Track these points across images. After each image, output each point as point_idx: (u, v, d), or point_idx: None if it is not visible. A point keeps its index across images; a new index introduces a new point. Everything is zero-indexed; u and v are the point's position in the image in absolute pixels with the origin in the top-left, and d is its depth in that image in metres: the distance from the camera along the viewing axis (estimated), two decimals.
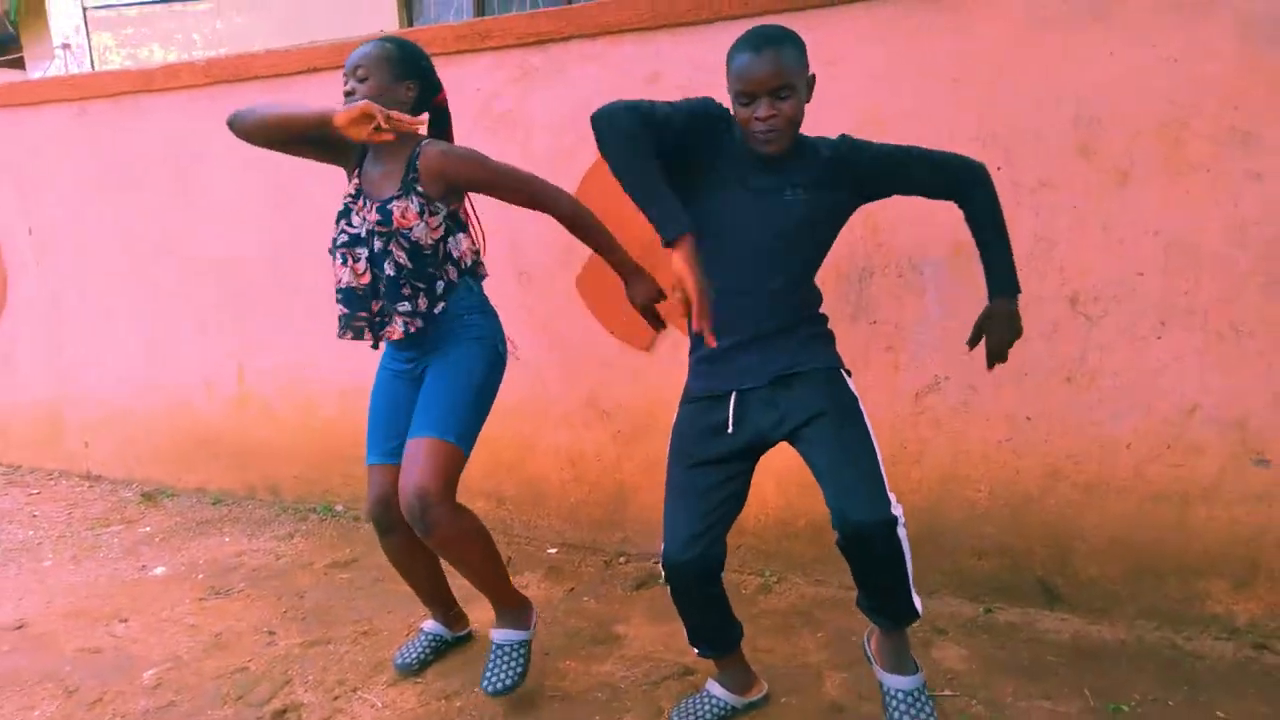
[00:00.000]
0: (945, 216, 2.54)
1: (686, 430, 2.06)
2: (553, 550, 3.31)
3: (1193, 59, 2.26)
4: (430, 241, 2.17)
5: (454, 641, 2.59)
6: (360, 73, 2.14)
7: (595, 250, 2.34)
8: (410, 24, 5.95)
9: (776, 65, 1.81)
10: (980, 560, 2.75)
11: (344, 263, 2.21)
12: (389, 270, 2.16)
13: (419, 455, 2.14)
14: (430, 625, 2.56)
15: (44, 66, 6.92)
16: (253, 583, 3.13)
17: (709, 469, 2.00)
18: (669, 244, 1.77)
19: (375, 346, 2.29)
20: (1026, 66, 2.41)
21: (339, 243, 2.22)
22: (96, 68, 6.41)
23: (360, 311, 2.22)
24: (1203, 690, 2.29)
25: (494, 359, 2.30)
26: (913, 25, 2.49)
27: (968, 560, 2.76)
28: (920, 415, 2.71)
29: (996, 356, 2.06)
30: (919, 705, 2.01)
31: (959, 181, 2.02)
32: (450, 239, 2.22)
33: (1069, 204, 2.43)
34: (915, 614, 1.98)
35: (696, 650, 2.17)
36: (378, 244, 2.15)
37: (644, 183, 1.81)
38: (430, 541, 2.17)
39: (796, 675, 2.43)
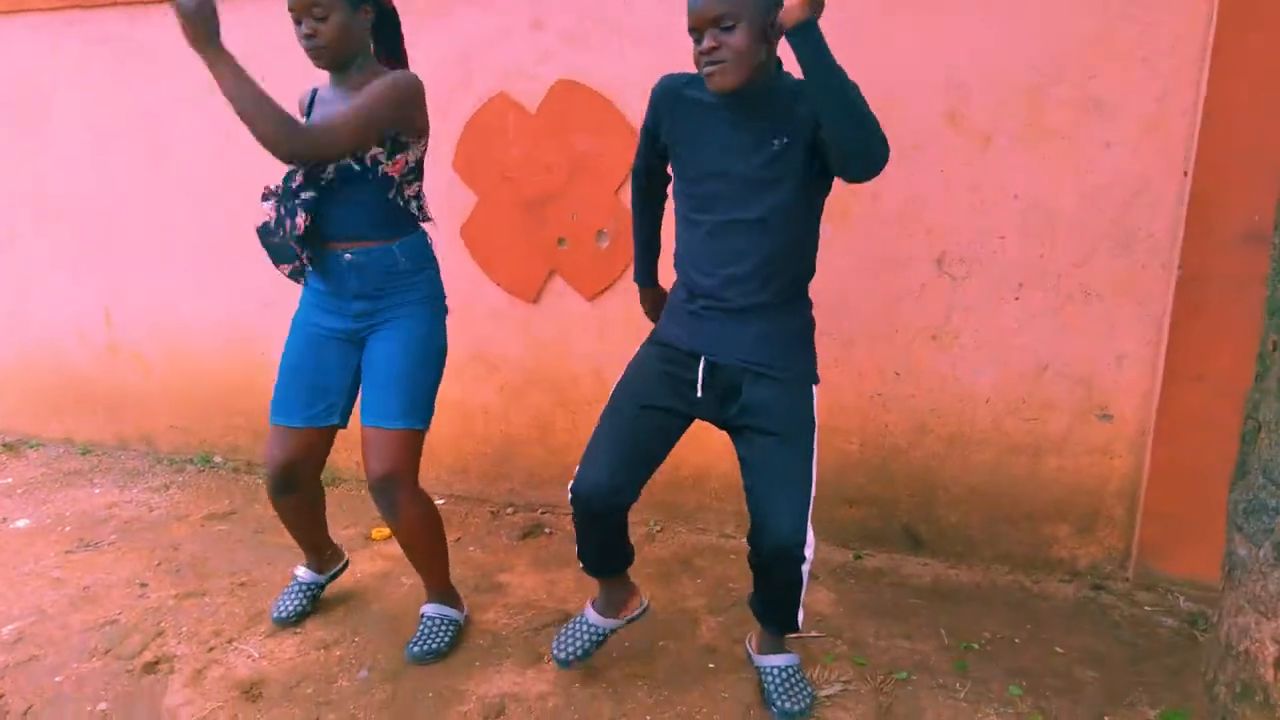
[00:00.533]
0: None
1: (648, 372, 2.04)
2: (441, 501, 3.31)
3: (1054, 30, 2.35)
4: (382, 170, 2.10)
5: (328, 582, 2.59)
6: (318, 11, 1.99)
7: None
8: None
9: None
10: (851, 508, 2.88)
11: (291, 204, 2.09)
12: (341, 192, 2.09)
13: (390, 444, 2.14)
14: (304, 573, 2.54)
15: None
16: (124, 535, 3.05)
17: (656, 414, 2.00)
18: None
19: (327, 286, 2.20)
20: (899, 32, 2.47)
21: (291, 187, 2.10)
22: None
23: (308, 252, 2.15)
24: (1045, 628, 2.47)
25: (441, 320, 2.28)
26: None
27: (840, 509, 2.89)
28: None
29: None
30: (794, 681, 2.11)
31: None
32: (398, 155, 2.12)
33: (938, 167, 2.52)
34: (797, 628, 2.10)
35: (583, 567, 2.21)
36: (327, 170, 2.07)
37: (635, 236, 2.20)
38: (396, 524, 2.22)
39: (675, 621, 2.51)
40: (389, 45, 2.24)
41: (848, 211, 2.62)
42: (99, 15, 3.32)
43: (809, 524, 1.90)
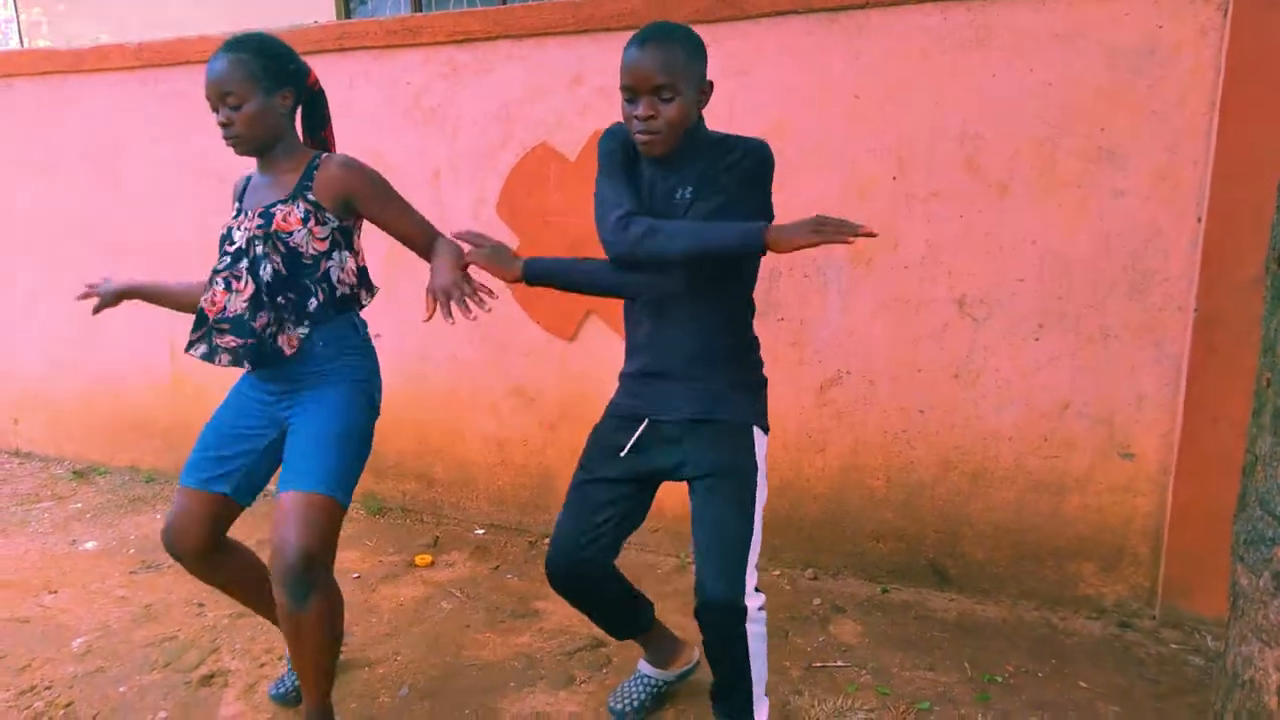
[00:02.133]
0: None
1: (593, 443, 2.05)
2: (480, 531, 3.44)
3: (1066, 84, 2.46)
4: (312, 252, 2.01)
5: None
6: (232, 99, 1.96)
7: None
8: (348, 15, 5.98)
9: (659, 63, 1.72)
10: (878, 543, 2.95)
11: (226, 288, 2.02)
12: (265, 276, 2.00)
13: (301, 512, 1.93)
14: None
15: None
16: None
17: (601, 486, 1.98)
18: (764, 245, 1.71)
19: (256, 367, 2.07)
20: (917, 85, 2.60)
21: (219, 268, 2.04)
22: (24, 44, 6.33)
23: (245, 338, 2.01)
24: (1069, 663, 2.51)
25: (369, 406, 2.13)
26: (813, 43, 2.66)
27: (866, 543, 2.96)
28: (824, 407, 2.90)
29: None
30: None
31: None
32: (334, 255, 2.05)
33: (956, 214, 2.63)
34: (743, 710, 1.90)
35: (611, 635, 2.21)
36: (257, 248, 1.99)
37: (692, 231, 1.76)
38: (304, 608, 1.92)
39: (684, 641, 2.59)
40: (313, 128, 2.20)
41: (871, 257, 2.74)
42: (171, 73, 3.58)
43: (748, 575, 1.79)
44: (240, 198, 2.14)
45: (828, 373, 2.86)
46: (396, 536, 3.38)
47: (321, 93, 2.18)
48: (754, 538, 1.83)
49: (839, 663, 2.51)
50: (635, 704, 2.24)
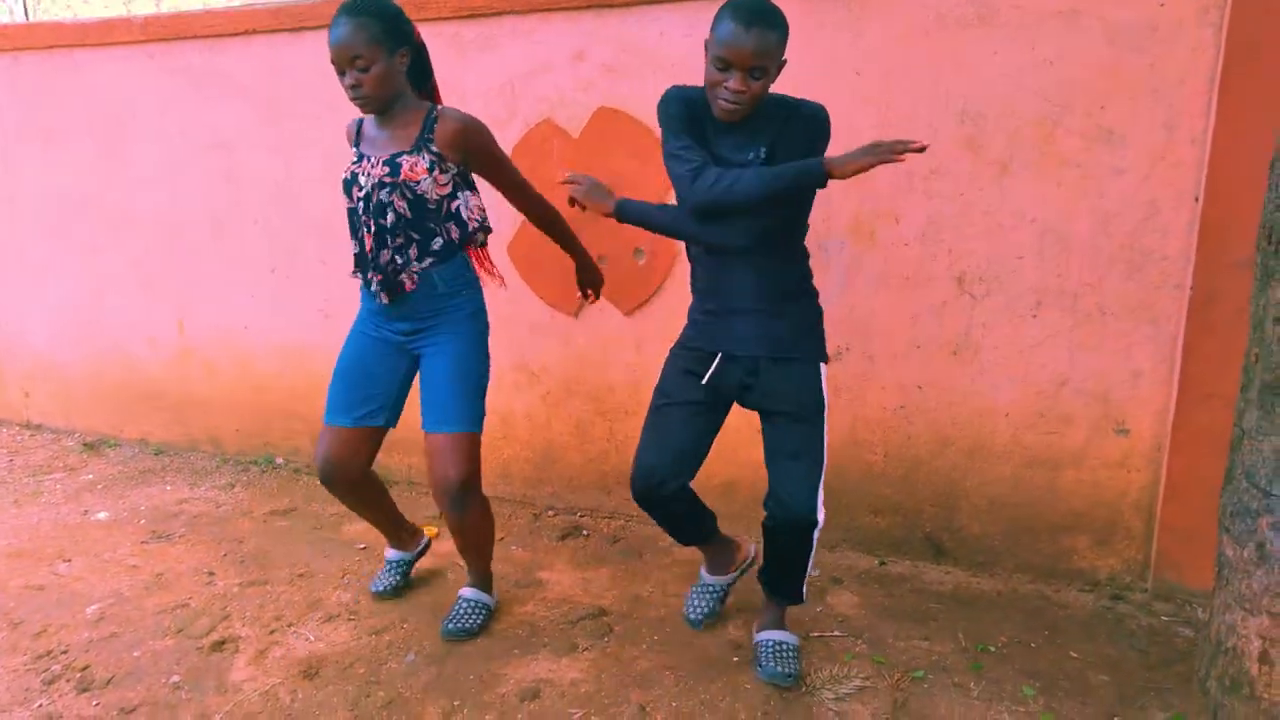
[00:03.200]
0: (847, 200, 2.77)
1: (669, 372, 2.29)
2: None
3: (1066, 62, 2.48)
4: (436, 196, 2.25)
5: (415, 559, 2.84)
6: (361, 62, 2.11)
7: (561, 245, 2.60)
8: None
9: (760, 45, 1.87)
10: (876, 517, 3.00)
11: (365, 227, 2.26)
12: (388, 219, 2.23)
13: (456, 449, 2.32)
14: (392, 554, 2.80)
15: None
16: (193, 528, 3.28)
17: (683, 408, 2.24)
18: (825, 175, 1.92)
19: (388, 304, 2.33)
20: (919, 63, 2.61)
21: (359, 209, 2.26)
22: (30, 17, 6.34)
23: (378, 273, 2.28)
24: (1061, 634, 2.56)
25: (485, 333, 2.45)
26: (815, 21, 2.67)
27: (865, 517, 3.01)
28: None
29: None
30: (787, 651, 2.33)
31: None
32: (459, 195, 2.31)
33: (956, 191, 2.65)
34: (801, 599, 2.36)
35: (677, 541, 2.50)
36: (382, 195, 2.22)
37: (758, 175, 1.96)
38: (462, 521, 2.41)
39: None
40: (420, 80, 2.38)
41: (872, 233, 2.76)
42: (179, 47, 3.60)
43: (820, 495, 2.13)
44: (356, 144, 2.35)
45: (828, 349, 2.88)
46: (403, 509, 3.41)
47: (424, 46, 2.36)
48: (824, 466, 2.17)
49: (836, 632, 2.57)
50: (707, 609, 2.57)
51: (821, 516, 2.15)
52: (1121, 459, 2.69)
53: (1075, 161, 2.52)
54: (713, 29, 1.94)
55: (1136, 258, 2.54)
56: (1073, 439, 2.72)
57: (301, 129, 3.45)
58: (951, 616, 2.65)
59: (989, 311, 2.71)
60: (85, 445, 4.17)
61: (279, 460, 3.89)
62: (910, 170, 2.67)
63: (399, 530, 2.77)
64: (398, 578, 2.78)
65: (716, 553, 2.57)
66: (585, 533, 3.24)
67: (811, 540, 2.19)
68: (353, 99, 2.18)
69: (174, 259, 3.86)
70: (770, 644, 2.34)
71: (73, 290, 4.12)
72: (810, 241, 2.82)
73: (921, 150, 1.80)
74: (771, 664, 2.29)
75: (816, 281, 2.83)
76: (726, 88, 1.92)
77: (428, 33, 3.16)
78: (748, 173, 1.96)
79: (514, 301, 3.28)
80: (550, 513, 3.40)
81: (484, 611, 2.60)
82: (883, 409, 2.90)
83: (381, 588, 2.76)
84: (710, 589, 2.61)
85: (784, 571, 2.30)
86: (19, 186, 4.10)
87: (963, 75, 2.58)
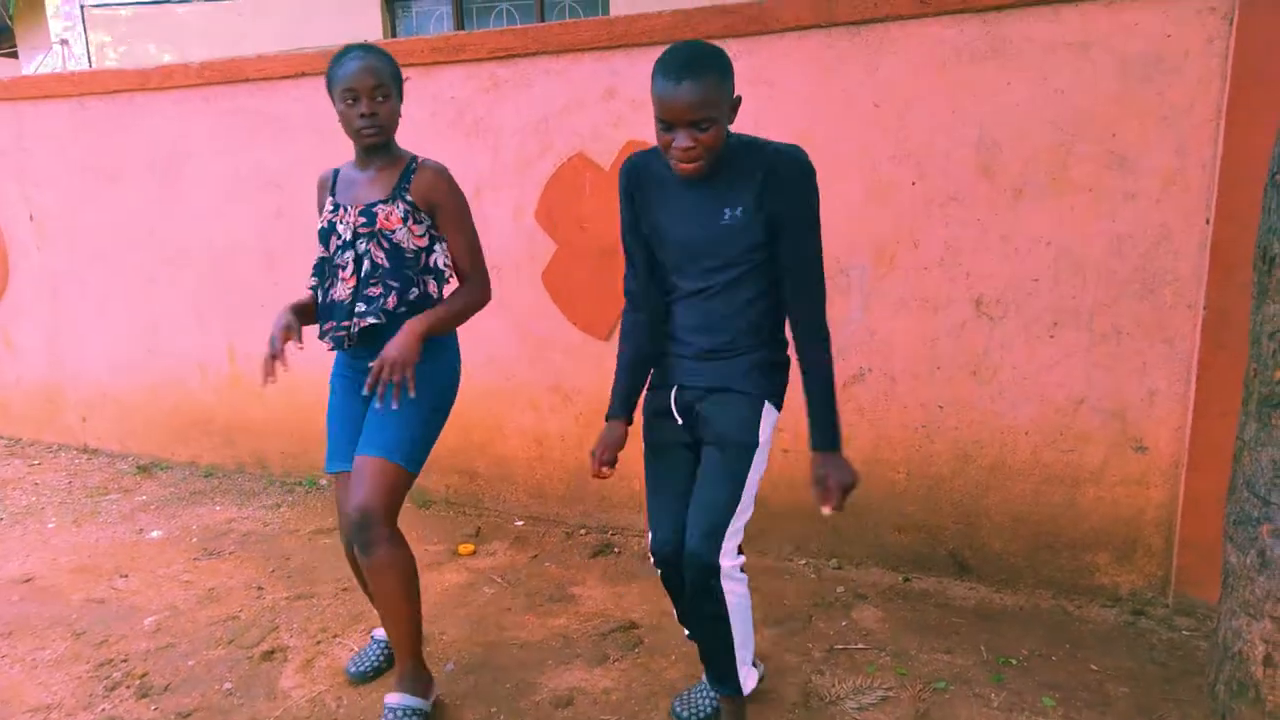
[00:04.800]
0: (868, 226, 2.87)
1: (648, 422, 2.16)
2: (520, 522, 3.61)
3: (1077, 92, 2.57)
4: (412, 247, 2.22)
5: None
6: (381, 92, 2.15)
7: (442, 325, 2.27)
8: (394, 34, 6.22)
9: (697, 96, 1.74)
10: (900, 534, 3.07)
11: (338, 277, 2.24)
12: (364, 268, 2.21)
13: (366, 474, 2.15)
14: (380, 633, 2.59)
15: (38, 59, 7.15)
16: (243, 546, 3.43)
17: (672, 450, 2.11)
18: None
19: (341, 349, 2.30)
20: (935, 94, 2.72)
21: (333, 260, 2.25)
22: (93, 64, 6.66)
23: (344, 320, 2.23)
24: (1081, 648, 2.61)
25: (451, 379, 2.34)
26: (835, 55, 2.80)
27: (889, 534, 3.08)
28: (846, 403, 3.02)
29: (838, 506, 1.99)
30: None
31: (808, 317, 2.00)
32: (437, 248, 2.27)
33: (973, 217, 2.74)
34: (737, 689, 2.06)
35: (687, 633, 2.27)
36: (361, 245, 2.21)
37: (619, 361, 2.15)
38: (368, 561, 2.16)
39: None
40: None
41: (893, 258, 2.86)
42: (233, 90, 3.80)
43: (728, 537, 1.93)
44: (332, 191, 2.33)
45: (850, 370, 2.99)
46: (441, 527, 3.56)
47: None
48: (740, 505, 1.97)
49: (860, 645, 2.64)
50: (701, 714, 2.27)
51: (728, 561, 1.93)
52: (1140, 476, 2.74)
53: (1088, 186, 2.61)
54: (651, 88, 1.81)
55: (1150, 279, 2.61)
56: (1092, 457, 2.78)
57: None
58: (974, 630, 2.71)
59: (1007, 333, 2.79)
60: (139, 468, 4.36)
61: (323, 481, 4.04)
62: (928, 198, 2.77)
63: None
64: (381, 660, 2.53)
65: None
66: (616, 550, 3.34)
67: (718, 590, 1.94)
68: (363, 127, 2.16)
69: (226, 291, 4.05)
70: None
71: (129, 321, 4.33)
72: (831, 266, 2.93)
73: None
74: None
75: (837, 305, 2.95)
76: (676, 148, 1.81)
77: (465, 73, 3.35)
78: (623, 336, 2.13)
79: (548, 326, 3.41)
80: (583, 531, 3.51)
81: None
82: (905, 428, 2.98)
83: (363, 669, 2.51)
84: (712, 695, 2.28)
85: (705, 641, 2.07)
86: (82, 222, 4.33)
87: (978, 105, 2.69)
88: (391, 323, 2.21)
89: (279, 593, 3.03)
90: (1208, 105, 2.47)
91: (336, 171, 2.36)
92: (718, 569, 1.92)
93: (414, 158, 2.28)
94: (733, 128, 1.93)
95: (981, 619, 2.79)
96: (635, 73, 3.08)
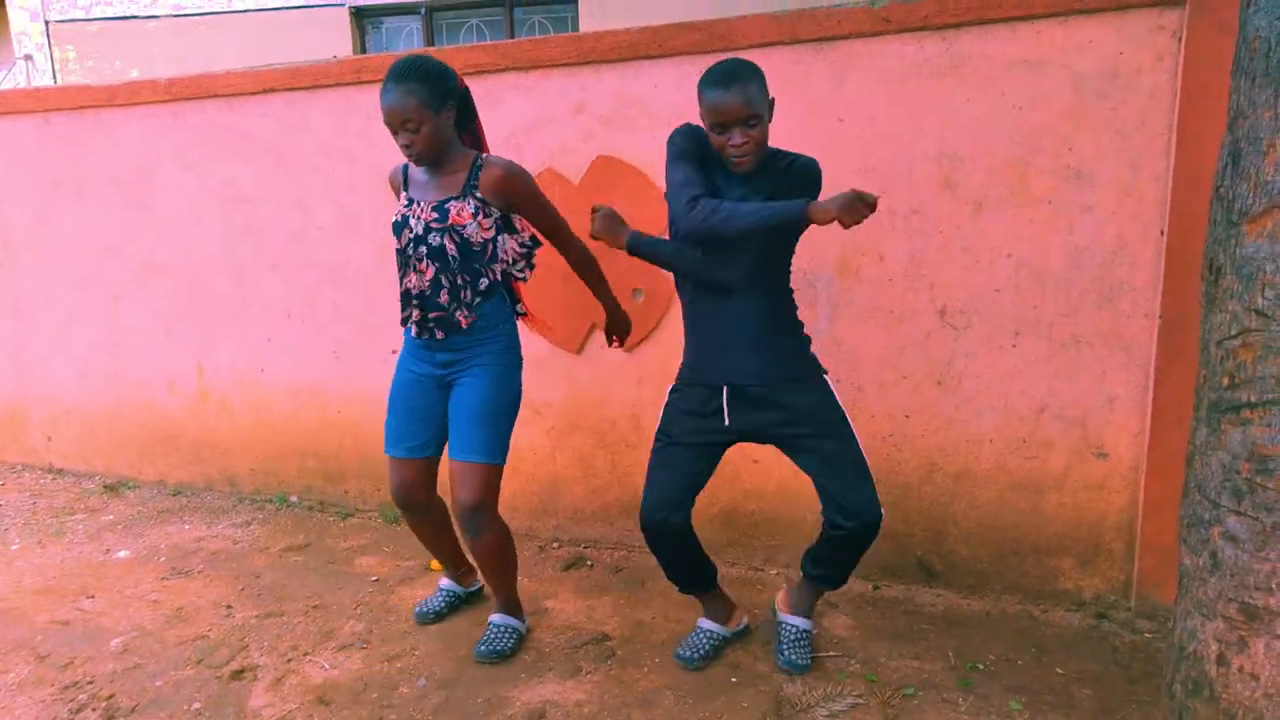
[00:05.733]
0: (834, 238, 2.92)
1: (670, 415, 2.44)
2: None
3: (1034, 107, 2.64)
4: (480, 239, 2.44)
5: (466, 596, 2.99)
6: (411, 125, 2.33)
7: (592, 290, 2.73)
8: (363, 49, 6.22)
9: (745, 98, 2.11)
10: None
11: (412, 268, 2.46)
12: (437, 263, 2.43)
13: (474, 477, 2.49)
14: (446, 582, 2.97)
15: (1, 73, 7.08)
16: (212, 564, 3.40)
17: (683, 449, 2.41)
18: (806, 218, 2.11)
19: (432, 340, 2.54)
20: (897, 110, 2.78)
21: (408, 251, 2.46)
22: (58, 80, 6.60)
23: (432, 312, 2.48)
24: (1047, 652, 2.66)
25: (517, 366, 2.62)
26: (800, 71, 2.85)
27: None
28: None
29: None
30: (804, 639, 2.57)
31: None
32: (500, 238, 2.49)
33: (936, 229, 2.80)
34: (845, 582, 2.58)
35: (678, 587, 2.62)
36: (434, 239, 2.41)
37: (748, 209, 2.14)
38: (476, 545, 2.57)
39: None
40: (466, 125, 2.58)
41: (858, 270, 2.91)
42: (201, 106, 3.79)
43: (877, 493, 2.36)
44: (406, 187, 2.55)
45: None
46: (413, 543, 3.53)
47: (467, 90, 2.54)
48: (866, 461, 2.38)
49: (830, 653, 2.66)
50: (701, 652, 2.59)
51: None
52: (1101, 482, 2.80)
53: (1046, 199, 2.67)
54: (700, 102, 2.17)
55: (1107, 289, 2.68)
56: (1054, 463, 2.83)
57: (316, 182, 3.63)
58: (942, 636, 2.75)
59: (970, 342, 2.84)
60: (106, 487, 4.31)
61: (293, 498, 4.02)
62: (892, 210, 2.82)
63: (457, 565, 2.95)
64: (443, 605, 2.91)
65: (714, 603, 2.66)
66: (589, 563, 3.35)
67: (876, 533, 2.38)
68: (407, 156, 2.40)
69: (194, 306, 4.03)
70: (793, 630, 2.57)
71: (96, 337, 4.28)
72: (799, 278, 2.97)
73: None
74: (791, 654, 2.53)
75: (805, 315, 2.98)
76: (732, 146, 2.16)
77: None
78: (740, 206, 2.15)
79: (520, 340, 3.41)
80: (555, 544, 3.51)
81: (514, 635, 2.70)
82: (872, 437, 3.01)
83: (424, 610, 2.89)
84: (710, 634, 2.65)
85: (841, 563, 2.47)
86: (47, 238, 4.29)
87: (939, 120, 2.75)
88: (472, 317, 2.47)
89: (248, 611, 3.00)
90: (1159, 120, 2.54)
91: (405, 168, 2.57)
92: (882, 516, 2.36)
93: (479, 155, 2.48)
94: None
95: (949, 625, 2.83)
96: (604, 88, 3.11)
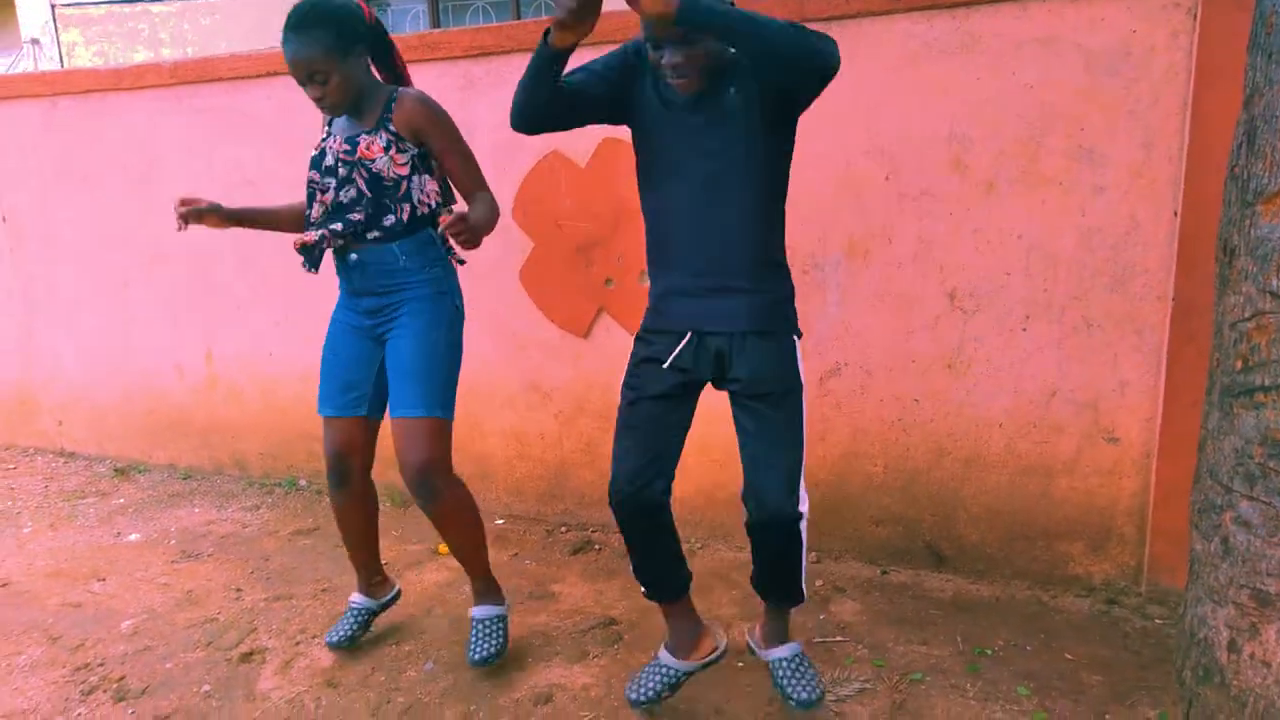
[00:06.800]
0: (841, 221, 2.89)
1: (633, 364, 2.14)
2: (500, 521, 3.61)
3: (1046, 86, 2.60)
4: (392, 175, 2.25)
5: (379, 609, 2.69)
6: (319, 76, 2.15)
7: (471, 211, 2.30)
8: None
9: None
10: (877, 527, 3.09)
11: (315, 198, 2.32)
12: (345, 196, 2.27)
13: (416, 434, 2.26)
14: (356, 599, 2.66)
15: (9, 58, 7.08)
16: (221, 548, 3.41)
17: (649, 404, 2.08)
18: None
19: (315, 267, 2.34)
20: (907, 90, 2.74)
21: (312, 181, 2.31)
22: (65, 64, 6.60)
23: (328, 227, 2.29)
24: (1056, 637, 2.64)
25: (454, 316, 2.39)
26: None
27: (866, 527, 3.10)
28: (824, 398, 3.04)
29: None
30: (801, 667, 2.17)
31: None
32: (414, 178, 2.29)
33: (946, 211, 2.76)
34: (802, 598, 2.16)
35: (644, 590, 2.22)
36: (342, 171, 2.26)
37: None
38: (433, 509, 2.34)
39: (709, 626, 2.74)
40: (385, 63, 2.40)
41: (867, 252, 2.88)
42: (206, 89, 3.78)
43: (801, 485, 1.99)
44: (329, 123, 2.38)
45: (826, 365, 3.00)
46: (421, 526, 3.54)
47: (379, 24, 2.33)
48: (802, 451, 2.00)
49: (838, 638, 2.66)
50: (651, 692, 2.22)
51: (804, 506, 1.99)
52: (1112, 466, 2.77)
53: (1057, 180, 2.64)
54: None
55: (1119, 271, 2.64)
56: (1065, 448, 2.81)
57: None
58: (950, 622, 2.74)
59: (980, 326, 2.81)
60: (116, 471, 4.33)
61: (302, 482, 4.03)
62: (901, 192, 2.79)
63: (371, 571, 2.67)
64: (356, 627, 2.62)
65: (682, 623, 2.26)
66: (597, 547, 3.35)
67: (798, 534, 2.01)
68: (320, 108, 2.24)
69: (202, 291, 4.03)
70: (785, 665, 2.17)
71: (104, 323, 4.29)
72: (806, 261, 2.95)
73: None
74: (798, 691, 2.12)
75: (812, 300, 2.97)
76: (664, 64, 1.86)
77: (439, 71, 3.34)
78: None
79: (525, 324, 3.41)
80: (563, 529, 3.51)
81: (500, 625, 2.51)
82: (881, 422, 3.00)
83: (338, 638, 2.59)
84: (664, 671, 2.23)
85: (777, 573, 2.11)
86: (55, 223, 4.30)
87: (949, 100, 2.71)
88: (376, 257, 2.30)
89: (258, 594, 3.02)
90: (1173, 99, 2.50)
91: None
92: (800, 515, 1.98)
93: (394, 89, 2.30)
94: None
95: (958, 610, 2.81)
96: None
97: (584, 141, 3.19)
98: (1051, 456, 2.83)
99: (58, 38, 6.55)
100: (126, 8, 6.27)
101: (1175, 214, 2.56)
